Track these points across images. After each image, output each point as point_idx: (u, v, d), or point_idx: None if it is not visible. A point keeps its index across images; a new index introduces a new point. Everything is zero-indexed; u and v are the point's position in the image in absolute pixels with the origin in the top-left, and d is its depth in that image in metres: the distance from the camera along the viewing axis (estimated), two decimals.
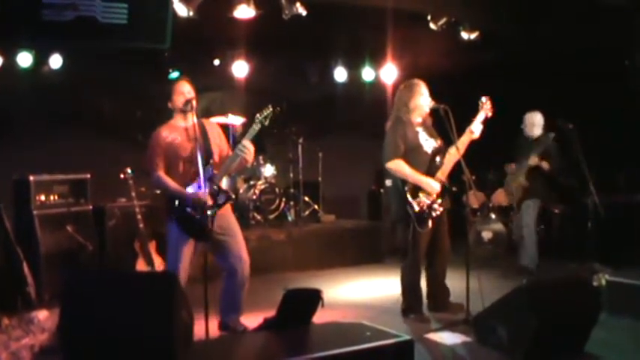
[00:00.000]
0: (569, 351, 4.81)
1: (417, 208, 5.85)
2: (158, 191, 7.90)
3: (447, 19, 8.59)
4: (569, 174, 8.16)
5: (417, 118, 6.06)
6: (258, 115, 5.32)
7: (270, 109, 5.32)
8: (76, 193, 7.38)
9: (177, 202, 5.25)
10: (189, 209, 5.21)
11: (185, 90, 5.38)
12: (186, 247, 5.30)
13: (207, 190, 5.17)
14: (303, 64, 10.78)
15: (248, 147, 5.26)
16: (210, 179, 5.25)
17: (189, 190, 5.25)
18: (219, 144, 5.52)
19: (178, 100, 5.37)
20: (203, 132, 5.40)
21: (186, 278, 5.31)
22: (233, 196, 5.58)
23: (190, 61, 9.43)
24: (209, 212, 5.11)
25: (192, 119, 5.31)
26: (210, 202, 5.18)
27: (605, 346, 5.00)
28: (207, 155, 5.32)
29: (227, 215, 5.47)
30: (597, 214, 7.15)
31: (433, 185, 5.88)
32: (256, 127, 5.29)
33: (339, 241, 9.20)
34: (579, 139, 6.93)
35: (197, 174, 5.19)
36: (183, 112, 5.36)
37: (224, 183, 9.25)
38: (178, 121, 5.42)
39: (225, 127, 9.00)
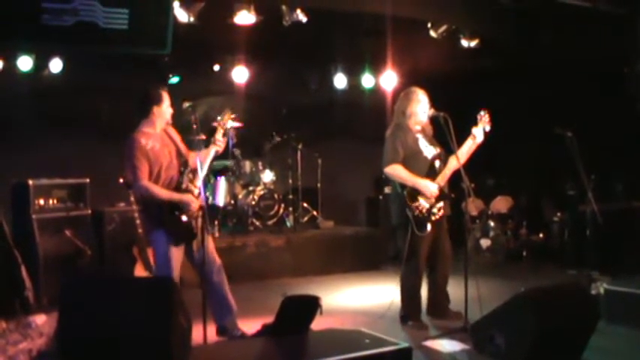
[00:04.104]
0: (567, 359, 4.80)
1: (416, 212, 5.86)
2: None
3: (447, 27, 8.60)
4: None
5: (416, 126, 6.08)
6: (218, 118, 5.45)
7: (229, 112, 5.45)
8: (75, 197, 7.38)
9: (166, 208, 5.22)
10: (177, 212, 5.21)
11: (169, 103, 5.42)
12: (177, 253, 5.28)
13: (201, 193, 5.27)
14: (303, 71, 10.79)
15: (220, 138, 5.37)
16: (192, 181, 5.36)
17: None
18: (183, 148, 5.56)
19: (167, 112, 5.39)
20: (170, 137, 5.46)
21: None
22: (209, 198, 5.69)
23: (190, 67, 9.46)
24: (194, 213, 5.22)
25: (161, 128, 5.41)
26: (200, 203, 5.26)
27: (602, 353, 5.02)
28: (181, 158, 5.41)
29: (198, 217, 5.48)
30: (595, 221, 7.14)
31: (431, 187, 5.89)
32: (219, 132, 5.39)
33: (337, 247, 9.20)
34: (578, 146, 6.93)
35: (177, 180, 5.31)
36: (168, 123, 5.42)
37: (222, 186, 9.31)
38: (150, 128, 5.35)
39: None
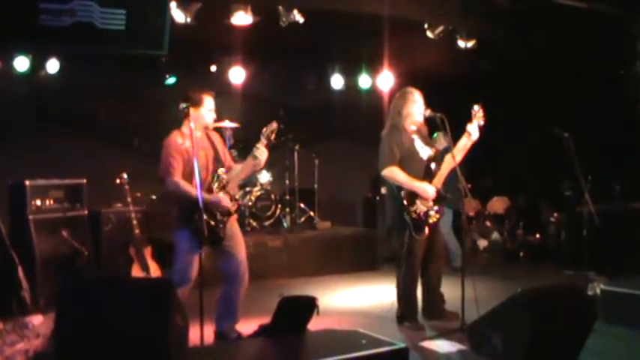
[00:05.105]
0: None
1: (413, 215, 5.85)
2: (154, 196, 7.89)
3: (444, 28, 8.61)
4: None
5: (412, 126, 6.08)
6: (264, 129, 5.39)
7: (275, 124, 5.40)
8: (72, 198, 7.37)
9: (195, 209, 5.16)
10: (205, 215, 5.18)
11: (213, 107, 5.45)
12: (198, 254, 5.28)
13: (227, 197, 5.35)
14: (300, 72, 10.79)
15: (263, 150, 5.35)
16: (224, 187, 5.41)
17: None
18: (223, 151, 5.62)
19: (207, 116, 5.41)
20: (211, 141, 5.50)
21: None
22: (242, 203, 5.72)
23: (187, 67, 9.45)
24: (224, 218, 5.32)
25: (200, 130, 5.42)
26: (232, 207, 5.39)
27: (599, 354, 5.01)
28: (219, 163, 5.46)
29: (233, 221, 5.54)
30: (592, 222, 7.16)
31: (428, 190, 5.88)
32: (262, 142, 5.36)
33: (334, 248, 9.20)
34: (576, 147, 6.94)
35: (209, 183, 5.36)
36: (206, 128, 5.45)
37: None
38: (188, 129, 5.33)
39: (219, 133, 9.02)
